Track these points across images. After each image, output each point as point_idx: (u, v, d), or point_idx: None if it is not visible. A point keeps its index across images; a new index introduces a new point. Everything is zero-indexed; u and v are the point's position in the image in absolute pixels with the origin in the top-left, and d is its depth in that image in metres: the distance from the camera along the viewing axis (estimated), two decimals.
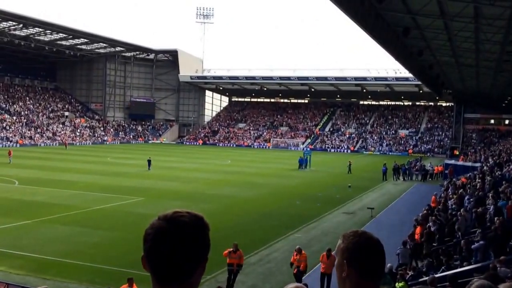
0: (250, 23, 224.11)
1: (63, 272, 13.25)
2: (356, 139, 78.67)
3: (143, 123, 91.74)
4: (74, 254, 14.76)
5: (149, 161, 38.62)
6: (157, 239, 1.29)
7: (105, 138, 79.97)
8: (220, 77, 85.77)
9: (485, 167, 29.28)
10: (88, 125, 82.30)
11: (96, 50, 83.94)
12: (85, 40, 75.35)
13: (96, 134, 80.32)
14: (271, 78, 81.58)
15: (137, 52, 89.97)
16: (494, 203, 15.43)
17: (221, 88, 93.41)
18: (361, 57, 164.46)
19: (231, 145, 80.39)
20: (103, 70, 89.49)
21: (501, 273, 7.78)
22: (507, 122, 69.50)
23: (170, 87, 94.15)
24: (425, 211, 19.06)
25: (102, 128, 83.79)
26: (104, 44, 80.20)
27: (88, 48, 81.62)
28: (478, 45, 23.42)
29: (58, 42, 73.83)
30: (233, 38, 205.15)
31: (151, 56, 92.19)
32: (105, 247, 15.79)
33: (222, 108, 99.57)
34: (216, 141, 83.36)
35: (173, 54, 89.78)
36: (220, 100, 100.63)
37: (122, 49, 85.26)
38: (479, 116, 69.47)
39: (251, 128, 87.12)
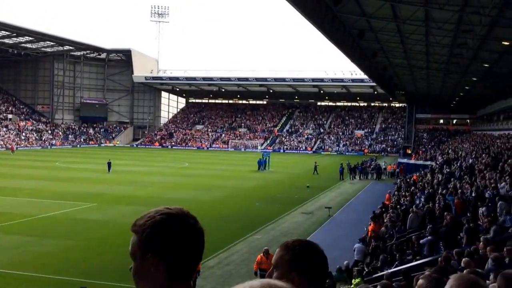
0: (207, 23, 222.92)
1: (9, 284, 12.45)
2: (314, 139, 79.88)
3: (94, 125, 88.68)
4: (20, 264, 13.86)
5: (109, 164, 37.64)
6: (185, 232, 1.30)
7: (53, 141, 76.46)
8: (177, 78, 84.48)
9: (434, 165, 30.44)
10: (34, 128, 78.39)
11: (43, 49, 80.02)
12: (30, 38, 71.65)
13: (43, 138, 76.57)
14: (229, 79, 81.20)
15: (88, 52, 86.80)
16: (443, 199, 15.98)
17: (177, 89, 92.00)
18: (319, 59, 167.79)
19: (189, 147, 79.35)
20: (50, 70, 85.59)
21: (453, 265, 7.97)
22: (455, 122, 72.94)
23: (123, 88, 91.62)
24: (379, 209, 19.51)
25: (50, 132, 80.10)
26: (51, 43, 76.65)
27: (34, 46, 77.75)
28: (429, 47, 24.34)
29: (0, 40, 69.81)
30: (190, 38, 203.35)
31: (103, 55, 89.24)
32: (55, 256, 14.91)
33: (178, 109, 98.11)
34: (173, 143, 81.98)
35: (127, 53, 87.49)
36: (177, 102, 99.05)
37: (71, 48, 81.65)
38: (429, 116, 72.45)
39: (209, 130, 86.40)
